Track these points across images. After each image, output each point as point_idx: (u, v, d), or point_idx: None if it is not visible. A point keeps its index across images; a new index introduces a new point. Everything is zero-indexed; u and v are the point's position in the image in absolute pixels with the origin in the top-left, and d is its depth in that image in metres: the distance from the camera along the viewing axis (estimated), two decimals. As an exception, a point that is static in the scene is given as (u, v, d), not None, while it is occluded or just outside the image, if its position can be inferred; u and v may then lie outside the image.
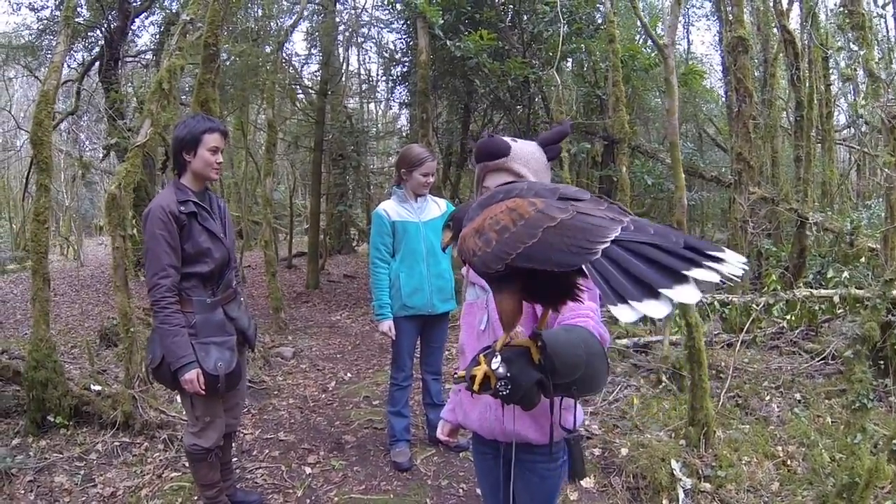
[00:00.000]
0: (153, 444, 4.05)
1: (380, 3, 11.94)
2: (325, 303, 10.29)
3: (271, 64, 8.50)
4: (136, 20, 12.04)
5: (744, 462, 3.61)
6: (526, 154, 1.78)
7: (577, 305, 1.52)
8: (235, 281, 3.09)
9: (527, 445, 1.80)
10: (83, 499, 3.52)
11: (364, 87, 12.94)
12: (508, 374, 1.33)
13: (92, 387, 4.43)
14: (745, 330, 4.96)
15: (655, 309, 0.98)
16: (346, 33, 11.97)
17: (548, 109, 8.45)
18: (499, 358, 1.35)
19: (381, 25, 11.95)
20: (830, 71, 9.92)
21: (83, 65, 12.45)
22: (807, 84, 8.05)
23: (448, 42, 7.69)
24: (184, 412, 3.64)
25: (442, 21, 7.76)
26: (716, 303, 5.10)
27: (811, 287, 5.57)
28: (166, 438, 4.08)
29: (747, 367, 5.14)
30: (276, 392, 5.56)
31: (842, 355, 4.33)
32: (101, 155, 14.04)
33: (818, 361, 5.11)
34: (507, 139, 1.78)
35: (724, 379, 4.62)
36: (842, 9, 6.21)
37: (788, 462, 3.73)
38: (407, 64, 10.63)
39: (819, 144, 10.78)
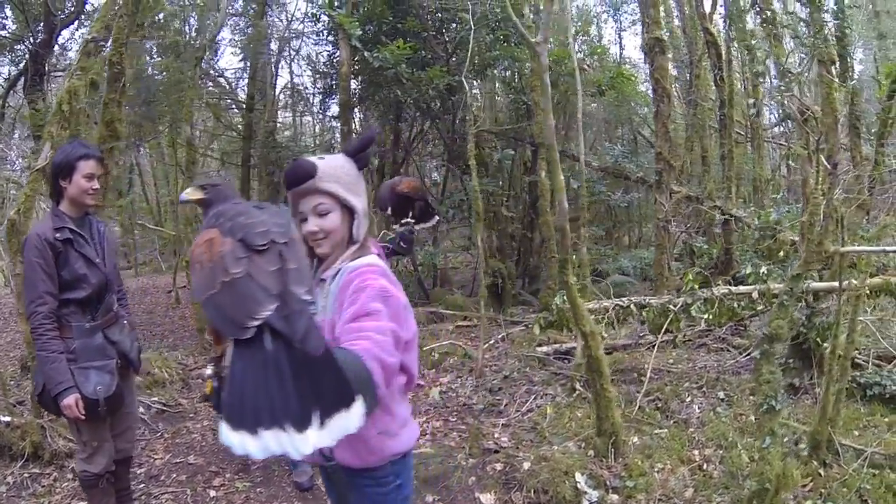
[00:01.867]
0: (62, 474, 3.98)
1: (305, 17, 11.72)
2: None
3: (190, 79, 8.18)
4: (65, 32, 11.58)
5: (657, 469, 3.45)
6: (334, 170, 1.76)
7: (364, 326, 1.51)
8: (118, 305, 3.10)
9: (350, 469, 1.76)
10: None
11: (297, 101, 12.69)
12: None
13: (1, 418, 4.35)
14: (663, 330, 4.84)
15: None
16: (274, 46, 11.71)
17: (474, 117, 8.37)
18: (209, 369, 1.50)
19: (309, 38, 11.77)
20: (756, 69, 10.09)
21: (8, 79, 11.98)
22: (727, 84, 8.09)
23: (367, 53, 7.55)
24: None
25: (361, 32, 7.63)
26: (632, 306, 4.98)
27: (734, 284, 5.49)
28: (74, 468, 3.87)
29: (671, 368, 5.02)
30: (191, 415, 5.38)
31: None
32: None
33: (744, 357, 5.03)
34: (314, 158, 1.76)
35: (644, 382, 4.48)
36: (757, 7, 6.31)
37: (705, 466, 3.58)
38: (335, 76, 10.42)
39: (749, 143, 10.95)
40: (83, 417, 2.78)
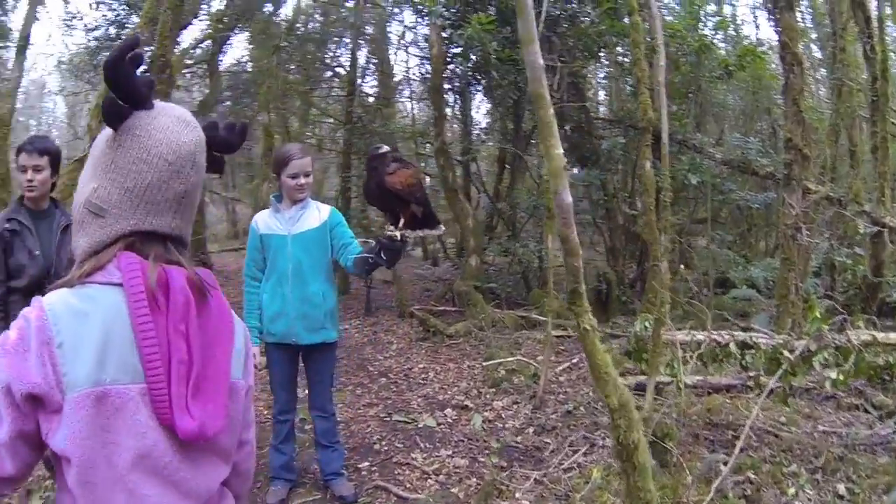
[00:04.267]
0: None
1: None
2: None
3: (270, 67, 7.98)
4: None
5: None
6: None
7: None
8: None
9: None
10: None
11: (390, 85, 12.14)
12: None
13: None
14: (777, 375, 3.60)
15: None
16: (367, 29, 11.23)
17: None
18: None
19: (396, 20, 11.19)
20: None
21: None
22: (879, 55, 6.20)
23: (451, 31, 6.79)
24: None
25: (444, 10, 6.85)
26: (732, 345, 3.78)
27: (882, 314, 4.06)
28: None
29: (780, 430, 3.77)
30: None
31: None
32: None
33: (887, 430, 3.65)
34: None
35: (735, 449, 3.31)
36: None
37: None
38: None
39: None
40: None
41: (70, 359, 0.93)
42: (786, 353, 3.47)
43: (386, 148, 2.98)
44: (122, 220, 1.04)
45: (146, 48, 5.17)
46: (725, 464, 3.15)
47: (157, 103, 1.12)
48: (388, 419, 4.84)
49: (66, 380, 0.92)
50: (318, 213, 3.35)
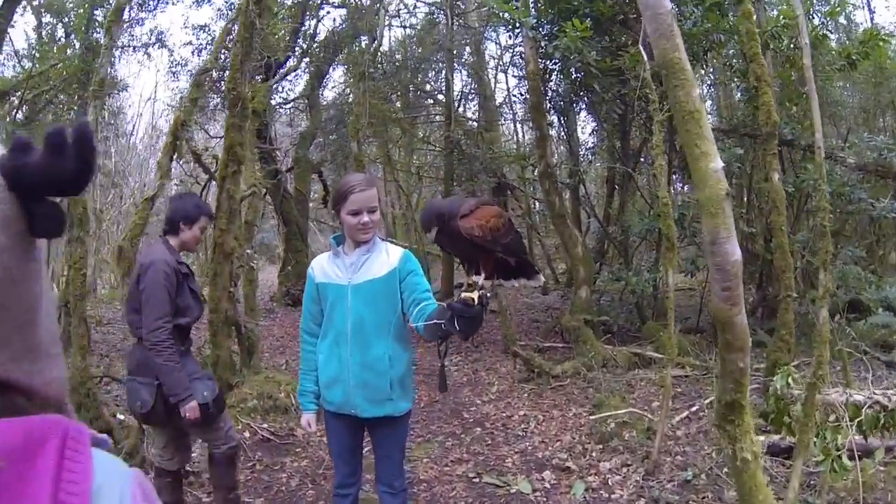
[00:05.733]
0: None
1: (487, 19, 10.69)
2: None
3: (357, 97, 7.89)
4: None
5: None
6: None
7: None
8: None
9: None
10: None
11: (489, 108, 11.77)
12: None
13: (117, 416, 4.95)
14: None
15: None
16: (462, 53, 10.97)
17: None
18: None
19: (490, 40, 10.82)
20: None
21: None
22: None
23: (544, 43, 6.30)
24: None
25: (535, 21, 6.39)
26: (850, 402, 2.93)
27: None
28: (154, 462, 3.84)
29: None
30: (297, 450, 4.96)
31: None
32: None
33: None
34: None
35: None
36: None
37: None
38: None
39: None
40: (200, 420, 3.12)
41: None
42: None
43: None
44: None
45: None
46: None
47: None
48: (477, 480, 4.33)
49: None
50: (386, 258, 2.73)
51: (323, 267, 2.83)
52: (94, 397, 4.58)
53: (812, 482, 3.56)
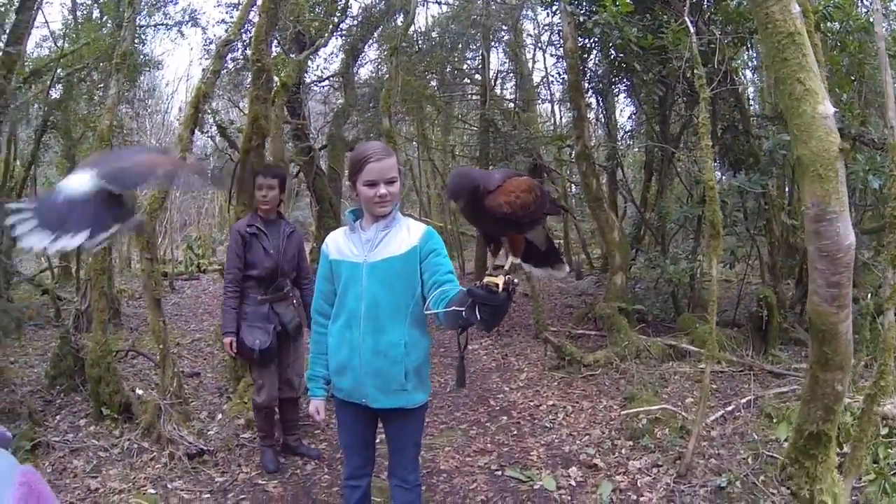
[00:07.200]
0: (159, 456, 4.16)
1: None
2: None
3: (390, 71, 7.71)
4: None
5: None
6: None
7: None
8: (294, 288, 4.19)
9: None
10: (76, 485, 3.83)
11: (540, 89, 11.48)
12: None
13: (136, 390, 5.18)
14: None
15: None
16: (499, 31, 10.66)
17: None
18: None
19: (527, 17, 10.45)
20: None
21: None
22: None
23: (582, 18, 6.00)
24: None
25: None
26: None
27: None
28: (172, 453, 4.12)
29: None
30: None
31: None
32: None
33: None
34: None
35: None
36: None
37: None
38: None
39: None
40: (233, 354, 4.04)
41: None
42: None
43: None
44: None
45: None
46: None
47: None
48: (499, 473, 4.19)
49: None
50: (406, 235, 2.51)
51: (338, 243, 2.62)
52: (113, 372, 4.66)
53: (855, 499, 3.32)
